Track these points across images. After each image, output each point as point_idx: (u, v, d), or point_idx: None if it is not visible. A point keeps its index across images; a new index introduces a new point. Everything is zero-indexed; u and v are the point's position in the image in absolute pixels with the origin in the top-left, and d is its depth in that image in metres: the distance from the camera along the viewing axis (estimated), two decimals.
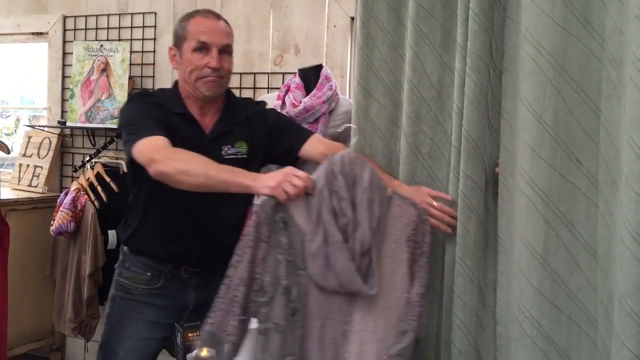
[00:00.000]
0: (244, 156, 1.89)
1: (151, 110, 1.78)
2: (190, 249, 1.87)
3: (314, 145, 1.92)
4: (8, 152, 2.25)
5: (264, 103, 2.09)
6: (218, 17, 1.88)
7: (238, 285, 1.45)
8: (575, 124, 1.40)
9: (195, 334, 1.65)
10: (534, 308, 1.45)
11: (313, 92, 2.23)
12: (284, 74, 2.95)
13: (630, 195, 1.21)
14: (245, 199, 1.88)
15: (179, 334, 1.67)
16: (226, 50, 1.85)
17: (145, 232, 1.86)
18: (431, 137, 1.79)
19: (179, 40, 1.86)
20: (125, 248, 1.94)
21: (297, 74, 2.34)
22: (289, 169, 1.51)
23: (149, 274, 1.87)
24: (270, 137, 1.94)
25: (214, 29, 1.82)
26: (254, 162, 1.92)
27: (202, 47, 1.80)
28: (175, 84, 1.93)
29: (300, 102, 2.21)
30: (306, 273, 1.48)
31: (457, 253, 1.62)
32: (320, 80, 2.25)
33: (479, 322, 1.64)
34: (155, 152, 1.64)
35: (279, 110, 2.26)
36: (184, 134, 1.80)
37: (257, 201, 1.51)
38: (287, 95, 2.27)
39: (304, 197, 1.47)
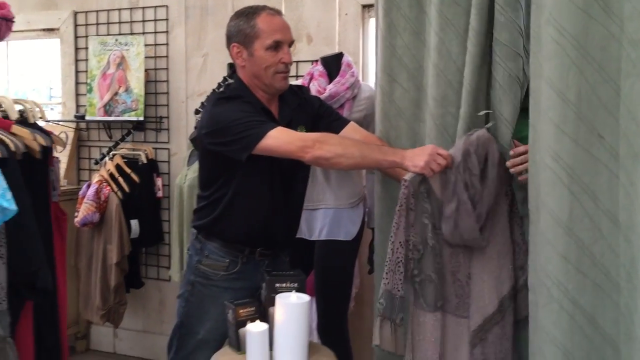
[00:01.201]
0: None
1: (250, 108, 1.89)
2: (270, 231, 2.00)
3: (350, 134, 2.04)
4: (64, 146, 2.35)
5: (306, 89, 2.20)
6: (280, 12, 1.98)
7: (399, 248, 1.74)
8: (597, 102, 1.50)
9: (245, 310, 1.75)
10: (560, 274, 1.56)
11: (337, 79, 2.33)
12: (297, 62, 3.03)
13: None
14: (305, 184, 2.12)
15: (230, 311, 1.77)
16: (290, 45, 1.98)
17: (228, 220, 1.96)
18: (457, 118, 1.89)
19: (247, 38, 1.92)
20: (201, 236, 2.02)
21: (319, 62, 2.43)
22: (432, 148, 1.75)
23: (227, 260, 1.98)
24: (314, 121, 2.06)
25: (284, 27, 1.94)
26: None
27: (276, 46, 1.90)
28: (239, 80, 2.00)
29: (325, 89, 2.31)
30: (441, 232, 1.79)
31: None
32: (342, 68, 2.35)
33: None
34: (302, 139, 1.82)
35: None
36: None
37: (406, 177, 1.74)
38: (311, 83, 2.37)
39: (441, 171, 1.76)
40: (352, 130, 2.07)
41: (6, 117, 2.15)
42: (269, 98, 1.99)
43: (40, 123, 3.64)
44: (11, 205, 1.74)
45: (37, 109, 2.23)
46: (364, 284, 2.84)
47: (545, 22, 1.53)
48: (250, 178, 1.92)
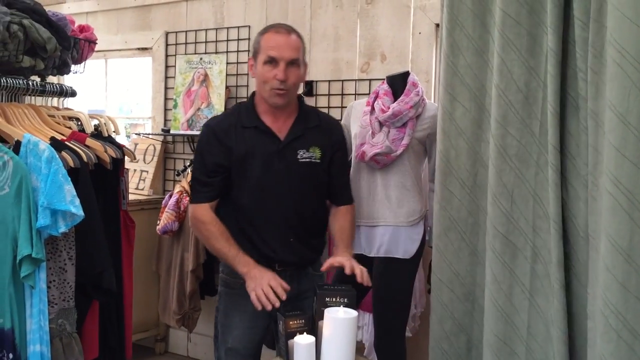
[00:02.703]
0: (317, 161, 2.08)
1: (209, 152, 2.06)
2: (278, 251, 2.06)
3: (335, 214, 2.19)
4: (134, 157, 2.54)
5: (339, 123, 2.29)
6: (289, 31, 2.03)
7: None
8: None
9: (296, 322, 1.80)
10: (619, 303, 1.50)
11: (401, 97, 2.35)
12: (370, 80, 3.08)
13: None
14: (317, 203, 2.14)
15: (281, 322, 1.82)
16: (294, 64, 2.01)
17: (236, 237, 2.04)
18: (518, 139, 1.86)
19: (255, 53, 2.06)
20: None
21: (384, 81, 2.46)
22: (268, 278, 1.89)
23: None
24: (333, 151, 2.12)
25: (282, 44, 1.98)
26: (325, 169, 2.11)
27: (272, 61, 1.98)
28: (253, 94, 2.13)
29: (389, 108, 2.33)
30: None
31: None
32: (407, 87, 2.36)
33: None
34: (197, 222, 2.06)
35: (368, 115, 2.39)
36: (259, 143, 2.04)
37: None
38: (375, 102, 2.40)
39: None
40: (341, 213, 2.16)
41: (83, 130, 2.35)
42: (275, 111, 2.06)
43: (132, 135, 3.93)
44: (79, 212, 1.90)
45: (111, 123, 2.42)
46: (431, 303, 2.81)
47: (607, 43, 1.50)
48: (240, 201, 2.06)
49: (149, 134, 3.81)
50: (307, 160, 2.05)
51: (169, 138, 3.77)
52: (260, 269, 1.93)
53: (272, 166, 2.03)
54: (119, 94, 4.50)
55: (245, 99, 3.48)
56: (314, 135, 2.08)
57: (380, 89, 2.43)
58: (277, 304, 1.83)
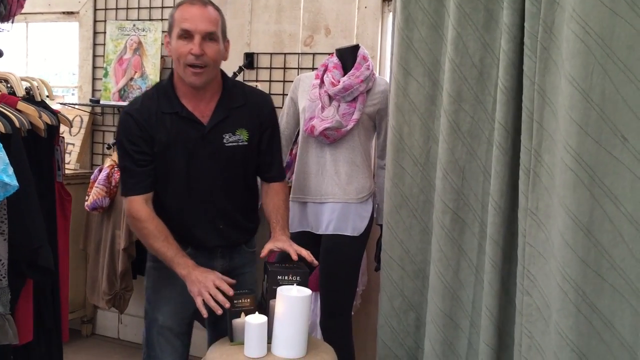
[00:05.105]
0: (245, 143, 1.95)
1: (131, 142, 1.89)
2: (206, 235, 1.97)
3: (266, 193, 2.06)
4: (70, 126, 2.34)
5: (269, 98, 2.12)
6: (205, 4, 1.85)
7: None
8: (622, 103, 1.46)
9: (240, 301, 1.72)
10: (579, 278, 1.52)
11: (351, 71, 2.29)
12: (314, 54, 3.00)
13: None
14: (248, 186, 2.03)
15: None
16: (211, 38, 1.84)
17: (165, 218, 1.92)
18: (471, 115, 1.85)
19: (169, 27, 1.88)
20: None
21: (334, 54, 2.40)
22: (212, 278, 1.76)
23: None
24: (261, 132, 1.99)
25: (197, 16, 1.81)
26: (254, 149, 1.99)
27: (186, 35, 1.81)
28: (171, 75, 1.95)
29: (339, 82, 2.27)
30: None
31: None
32: (358, 60, 2.31)
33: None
34: (131, 218, 1.93)
35: (317, 89, 2.32)
36: (181, 131, 1.89)
37: None
38: (325, 75, 2.33)
39: None
40: (274, 192, 2.04)
41: (13, 93, 2.13)
42: (196, 93, 1.90)
43: (56, 106, 3.67)
44: (12, 181, 1.71)
45: (44, 88, 2.20)
46: (372, 281, 2.80)
47: (569, 18, 1.49)
48: (165, 192, 1.94)
49: (75, 104, 3.57)
50: (234, 143, 1.93)
51: (98, 109, 3.55)
52: (201, 270, 1.81)
53: (197, 154, 1.90)
54: (40, 62, 4.19)
55: None
56: (239, 116, 1.94)
57: (330, 62, 2.36)
58: (227, 305, 1.72)
